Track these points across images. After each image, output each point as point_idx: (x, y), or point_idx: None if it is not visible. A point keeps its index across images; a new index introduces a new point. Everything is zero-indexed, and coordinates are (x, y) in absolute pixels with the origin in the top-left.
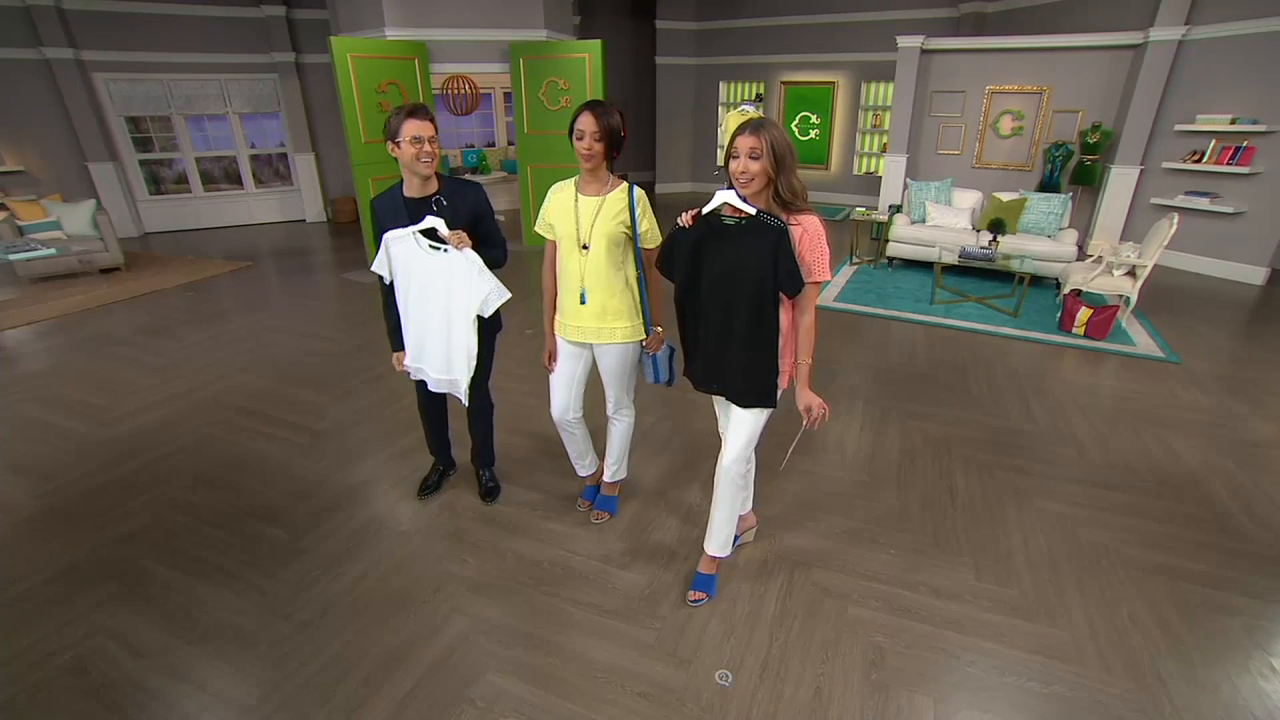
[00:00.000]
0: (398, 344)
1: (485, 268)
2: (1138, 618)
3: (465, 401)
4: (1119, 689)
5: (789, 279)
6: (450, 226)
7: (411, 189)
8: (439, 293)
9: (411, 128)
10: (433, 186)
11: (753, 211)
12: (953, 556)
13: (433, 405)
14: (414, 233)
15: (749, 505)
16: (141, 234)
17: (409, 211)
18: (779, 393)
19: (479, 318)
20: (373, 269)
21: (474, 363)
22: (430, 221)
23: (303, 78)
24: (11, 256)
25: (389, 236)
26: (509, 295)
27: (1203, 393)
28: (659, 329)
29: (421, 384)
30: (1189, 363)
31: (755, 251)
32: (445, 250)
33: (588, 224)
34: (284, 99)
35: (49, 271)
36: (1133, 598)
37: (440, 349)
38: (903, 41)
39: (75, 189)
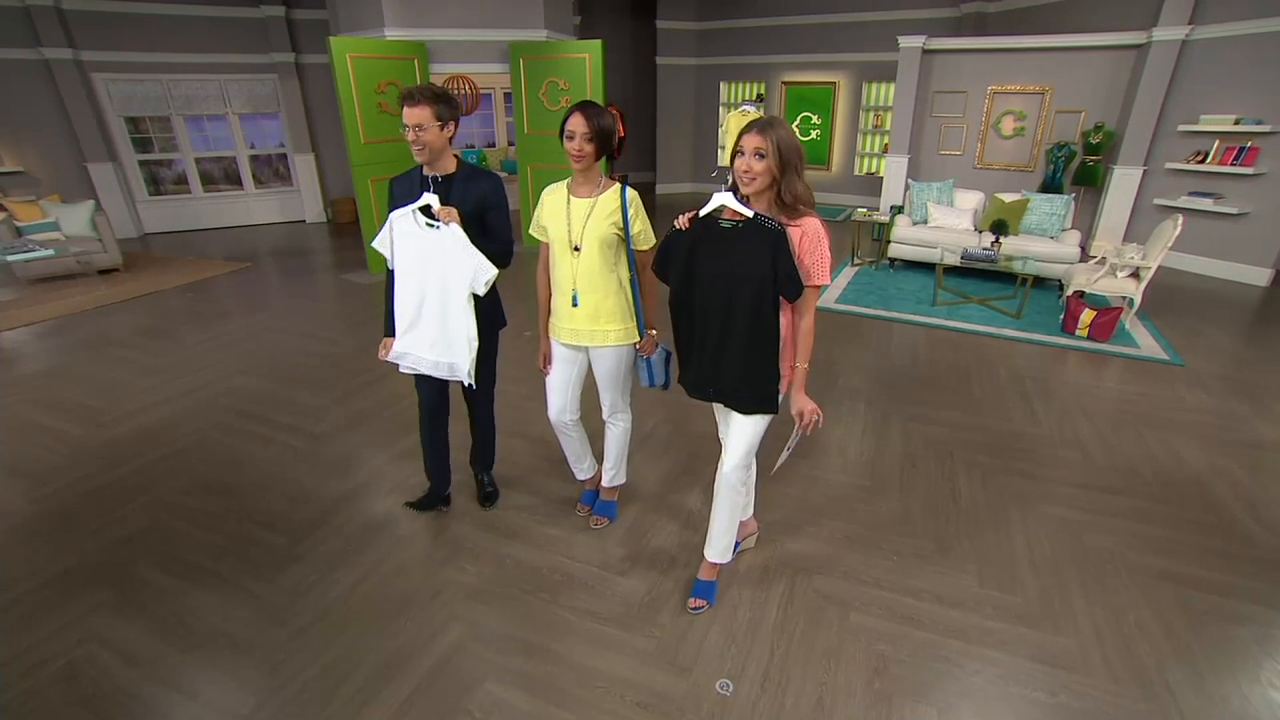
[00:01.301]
0: (391, 329)
1: (470, 243)
2: (1144, 625)
3: (471, 383)
4: (1126, 699)
5: (788, 283)
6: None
7: (427, 167)
8: (434, 270)
9: (405, 115)
10: (447, 169)
11: (750, 214)
12: (956, 562)
13: (437, 422)
14: (413, 210)
15: (750, 511)
16: (141, 234)
17: (423, 188)
18: (780, 398)
19: (475, 300)
20: (374, 244)
21: (475, 344)
22: (425, 198)
23: (302, 78)
24: (10, 258)
25: (394, 214)
26: (495, 271)
27: (1207, 395)
28: (653, 331)
29: (424, 390)
30: (1193, 365)
31: (753, 255)
32: (438, 227)
33: (579, 226)
34: (283, 99)
35: (47, 273)
36: (1139, 605)
37: (433, 327)
38: (904, 42)
39: (74, 190)
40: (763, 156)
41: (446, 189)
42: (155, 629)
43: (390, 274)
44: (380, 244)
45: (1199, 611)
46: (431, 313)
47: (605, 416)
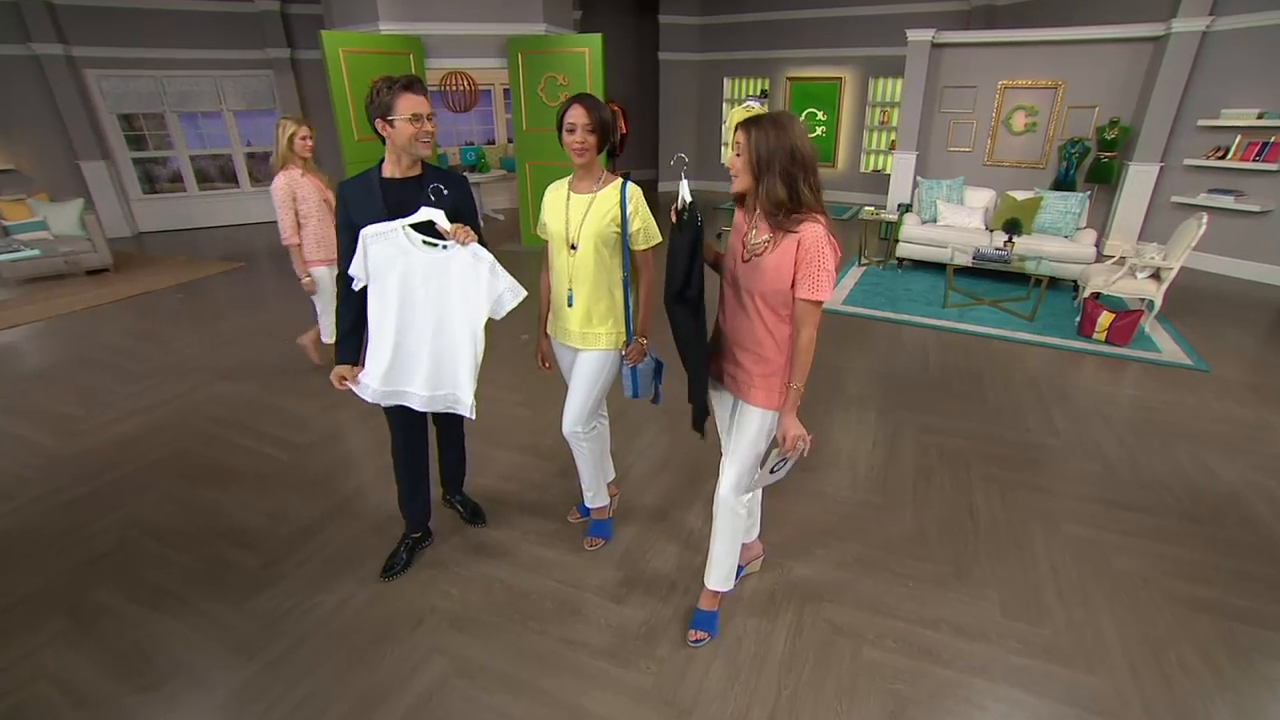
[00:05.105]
0: (348, 354)
1: (497, 263)
2: (1186, 662)
3: (472, 415)
4: None
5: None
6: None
7: (393, 169)
8: (432, 297)
9: (410, 104)
10: (417, 169)
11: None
12: (976, 589)
13: (416, 451)
14: (404, 227)
15: (754, 533)
16: (135, 233)
17: (384, 195)
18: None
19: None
20: (349, 271)
21: (477, 371)
22: (428, 213)
23: (298, 74)
24: None
25: (368, 233)
26: (525, 294)
27: (1236, 403)
28: (642, 340)
29: (403, 422)
30: (1218, 370)
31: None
32: (444, 246)
33: (577, 222)
34: (279, 96)
35: (35, 273)
36: (1178, 639)
37: (428, 359)
38: (913, 35)
39: (67, 188)
40: (739, 154)
41: (441, 198)
42: (112, 664)
43: (348, 290)
44: (356, 269)
45: (1245, 647)
46: (426, 343)
47: (565, 429)
